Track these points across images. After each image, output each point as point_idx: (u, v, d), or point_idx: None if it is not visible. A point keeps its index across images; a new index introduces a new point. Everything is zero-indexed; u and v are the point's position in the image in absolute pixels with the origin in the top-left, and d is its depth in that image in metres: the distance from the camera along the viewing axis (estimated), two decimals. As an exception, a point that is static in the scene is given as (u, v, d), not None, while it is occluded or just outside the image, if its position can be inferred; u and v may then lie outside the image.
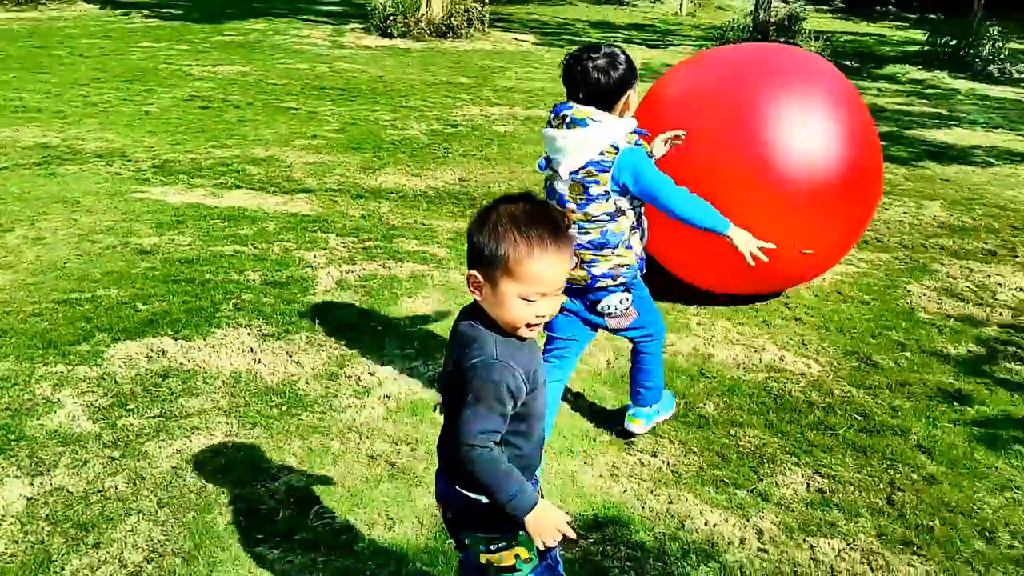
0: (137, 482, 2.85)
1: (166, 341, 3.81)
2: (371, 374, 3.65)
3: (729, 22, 14.96)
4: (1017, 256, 5.47)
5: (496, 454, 1.70)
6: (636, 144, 2.79)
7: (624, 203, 2.80)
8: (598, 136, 2.73)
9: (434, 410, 2.20)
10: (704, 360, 3.93)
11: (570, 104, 2.78)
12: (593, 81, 2.74)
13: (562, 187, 2.82)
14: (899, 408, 3.55)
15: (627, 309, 2.93)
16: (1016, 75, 12.82)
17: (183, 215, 5.50)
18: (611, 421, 3.36)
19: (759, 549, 2.69)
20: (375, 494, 2.85)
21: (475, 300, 1.77)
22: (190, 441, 3.10)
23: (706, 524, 2.79)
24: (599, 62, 2.74)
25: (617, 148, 2.73)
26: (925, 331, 4.32)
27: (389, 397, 3.48)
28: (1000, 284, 4.98)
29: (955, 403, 3.62)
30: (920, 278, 5.04)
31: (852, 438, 3.31)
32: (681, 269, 4.41)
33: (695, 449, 3.19)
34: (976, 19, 13.76)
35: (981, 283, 4.98)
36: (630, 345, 3.15)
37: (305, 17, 16.69)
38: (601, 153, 2.73)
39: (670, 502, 2.89)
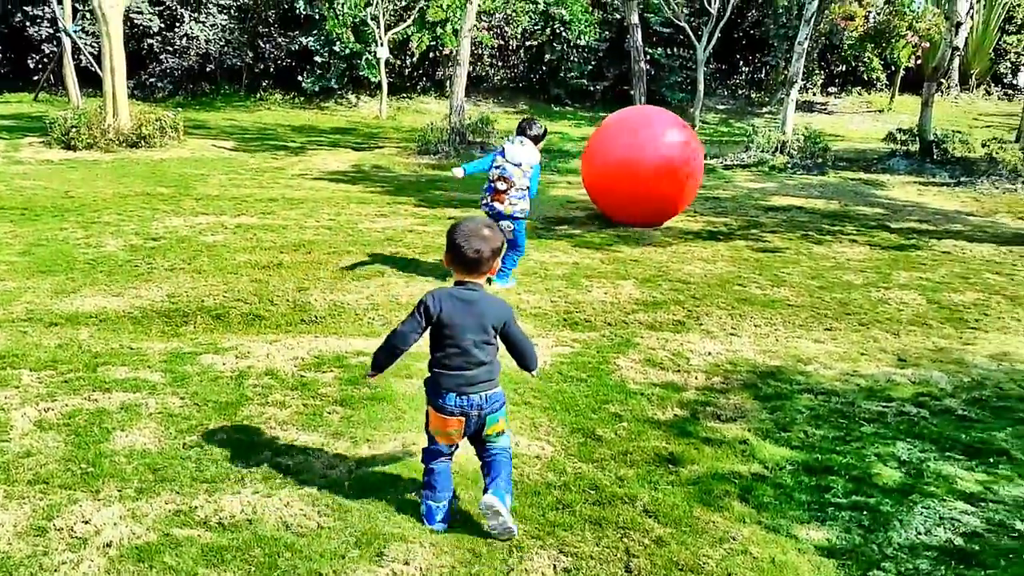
0: None
1: None
2: (86, 522, 3.29)
3: (428, 124, 15.70)
4: (702, 324, 6.17)
5: None
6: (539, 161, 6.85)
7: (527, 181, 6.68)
8: (532, 151, 6.67)
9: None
10: (443, 456, 3.98)
11: (520, 137, 6.71)
12: (531, 132, 6.75)
13: (513, 170, 6.57)
14: (624, 477, 3.82)
15: (512, 231, 6.73)
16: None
17: None
18: (358, 543, 3.28)
19: (518, 639, 2.74)
20: (104, 660, 2.55)
21: (456, 281, 3.32)
22: None
23: (465, 624, 2.80)
24: (534, 124, 6.81)
25: (536, 159, 6.70)
26: (636, 401, 4.71)
27: (110, 545, 3.15)
28: (692, 351, 5.57)
29: (670, 465, 3.96)
30: (626, 352, 5.51)
31: (588, 512, 3.50)
32: (609, 210, 9.56)
33: (446, 549, 3.21)
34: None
35: (676, 351, 5.55)
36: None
37: (-29, 132, 15.16)
38: (533, 157, 6.65)
39: (427, 608, 2.86)
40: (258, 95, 23.33)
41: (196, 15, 21.98)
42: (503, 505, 3.21)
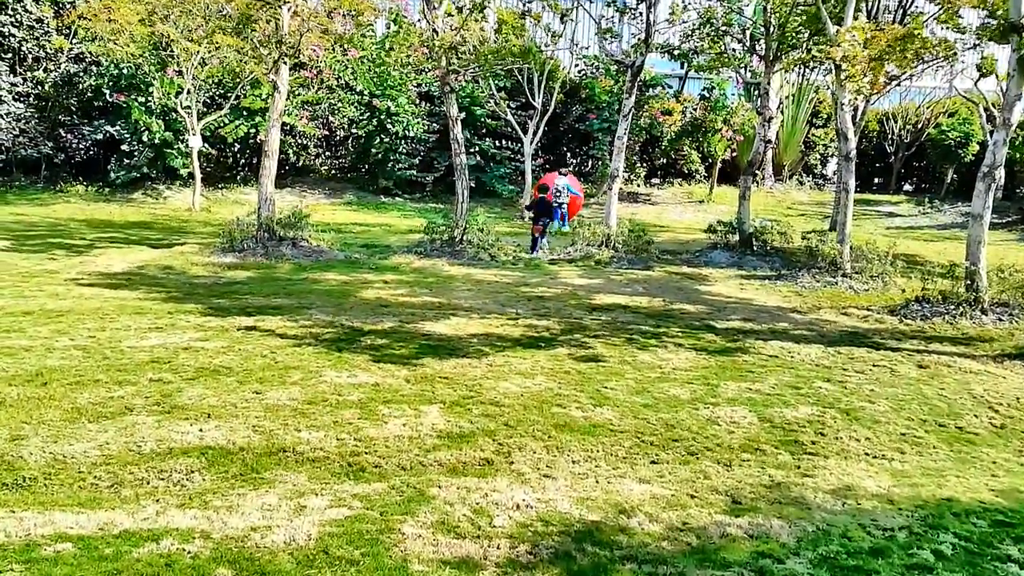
0: None
1: None
2: None
3: (237, 219, 14.43)
4: (513, 463, 5.26)
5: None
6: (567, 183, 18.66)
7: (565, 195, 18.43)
8: (563, 179, 18.28)
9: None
10: None
11: (560, 176, 18.47)
12: (563, 172, 19.00)
13: (561, 190, 17.90)
14: None
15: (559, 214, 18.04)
16: (503, 259, 13.96)
17: None
18: None
19: None
20: None
21: (540, 195, 16.12)
22: None
23: None
24: (561, 169, 19.74)
25: (564, 182, 18.42)
26: (419, 591, 3.69)
27: None
28: (497, 504, 4.63)
29: None
30: (416, 512, 4.49)
31: None
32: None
33: None
34: (462, 206, 14.90)
35: (478, 507, 4.59)
36: None
37: None
38: (562, 181, 18.31)
39: None
40: (58, 187, 21.28)
41: (-14, 103, 19.95)
42: (546, 252, 15.06)
